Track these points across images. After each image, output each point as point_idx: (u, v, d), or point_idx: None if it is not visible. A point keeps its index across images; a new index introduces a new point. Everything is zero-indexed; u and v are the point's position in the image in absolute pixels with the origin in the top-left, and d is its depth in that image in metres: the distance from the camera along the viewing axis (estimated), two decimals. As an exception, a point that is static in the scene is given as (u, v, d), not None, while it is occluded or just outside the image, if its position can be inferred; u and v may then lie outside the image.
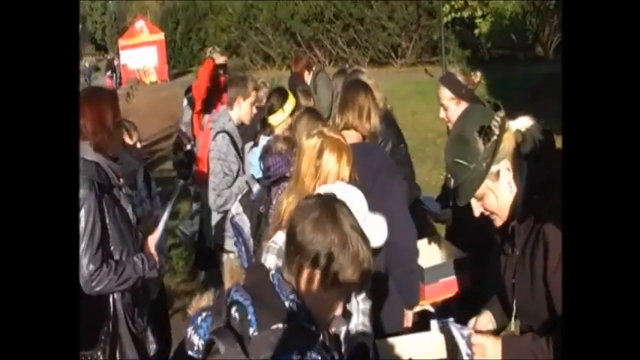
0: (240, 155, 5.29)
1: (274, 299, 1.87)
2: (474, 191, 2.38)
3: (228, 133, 5.26)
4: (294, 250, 1.94)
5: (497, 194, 2.39)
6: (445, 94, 4.15)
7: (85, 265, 3.11)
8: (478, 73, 4.53)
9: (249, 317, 1.78)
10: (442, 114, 4.20)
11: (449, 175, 3.79)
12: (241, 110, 5.42)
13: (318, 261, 1.89)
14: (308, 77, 7.80)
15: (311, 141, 2.95)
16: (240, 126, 5.48)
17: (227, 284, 1.95)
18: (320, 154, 2.89)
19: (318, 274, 1.91)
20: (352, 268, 1.92)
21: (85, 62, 43.29)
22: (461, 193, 2.43)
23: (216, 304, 1.91)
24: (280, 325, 1.78)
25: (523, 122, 2.43)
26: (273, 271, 1.97)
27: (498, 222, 2.46)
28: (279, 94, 5.20)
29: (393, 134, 5.06)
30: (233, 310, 1.83)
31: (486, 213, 2.46)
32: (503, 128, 2.33)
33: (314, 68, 8.11)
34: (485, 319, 2.76)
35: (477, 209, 2.46)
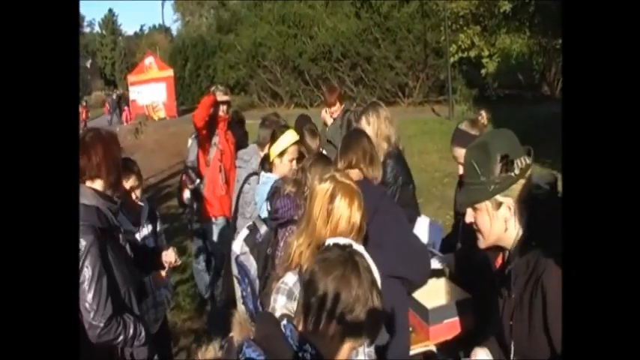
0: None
1: (287, 351, 1.86)
2: (473, 203, 2.46)
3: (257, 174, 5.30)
4: (315, 303, 1.94)
5: (491, 221, 2.44)
6: (460, 152, 3.96)
7: (93, 317, 3.12)
8: (483, 113, 4.47)
9: None
10: (461, 170, 3.87)
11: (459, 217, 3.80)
12: None
13: (340, 316, 1.91)
14: (339, 108, 7.63)
15: (323, 185, 2.96)
16: None
17: (236, 337, 1.93)
18: (332, 198, 2.91)
19: (337, 327, 1.92)
20: (370, 322, 1.94)
21: (113, 94, 44.53)
22: (463, 195, 2.55)
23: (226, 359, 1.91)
24: None
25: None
26: (284, 322, 1.96)
27: (482, 243, 2.53)
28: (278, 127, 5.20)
29: (403, 173, 5.07)
30: None
31: (474, 226, 2.52)
32: (524, 172, 2.37)
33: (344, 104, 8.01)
34: (482, 353, 2.74)
35: (469, 218, 2.52)
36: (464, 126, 4.37)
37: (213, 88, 7.28)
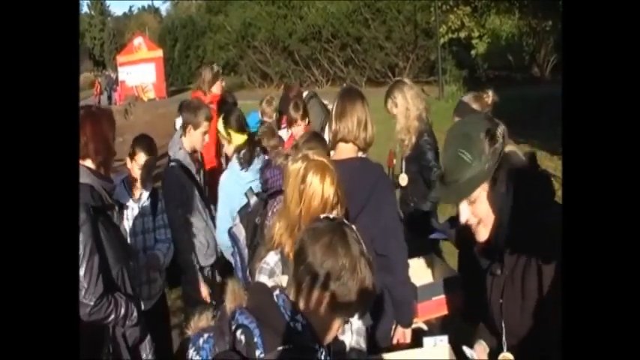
0: (196, 181, 5.26)
1: (279, 320, 1.89)
2: (471, 191, 2.30)
3: (178, 161, 5.18)
4: (304, 271, 1.96)
5: (491, 201, 2.30)
6: None
7: (83, 295, 3.10)
8: (490, 92, 4.45)
9: (256, 340, 1.81)
10: None
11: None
12: (192, 138, 5.27)
13: (328, 284, 1.93)
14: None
15: (295, 165, 2.93)
16: None
17: (229, 305, 1.94)
18: (303, 178, 2.88)
19: (326, 296, 1.94)
20: (359, 291, 1.95)
21: (111, 73, 44.35)
22: (455, 190, 2.34)
23: (218, 326, 1.93)
24: (286, 347, 1.83)
25: (509, 145, 2.37)
26: (276, 292, 1.99)
27: (482, 234, 2.37)
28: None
29: (432, 154, 5.10)
30: (238, 332, 1.84)
31: (471, 221, 2.37)
32: (505, 140, 2.30)
33: (305, 93, 8.00)
34: (479, 349, 2.73)
35: (465, 214, 2.37)
36: (466, 98, 4.38)
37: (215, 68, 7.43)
